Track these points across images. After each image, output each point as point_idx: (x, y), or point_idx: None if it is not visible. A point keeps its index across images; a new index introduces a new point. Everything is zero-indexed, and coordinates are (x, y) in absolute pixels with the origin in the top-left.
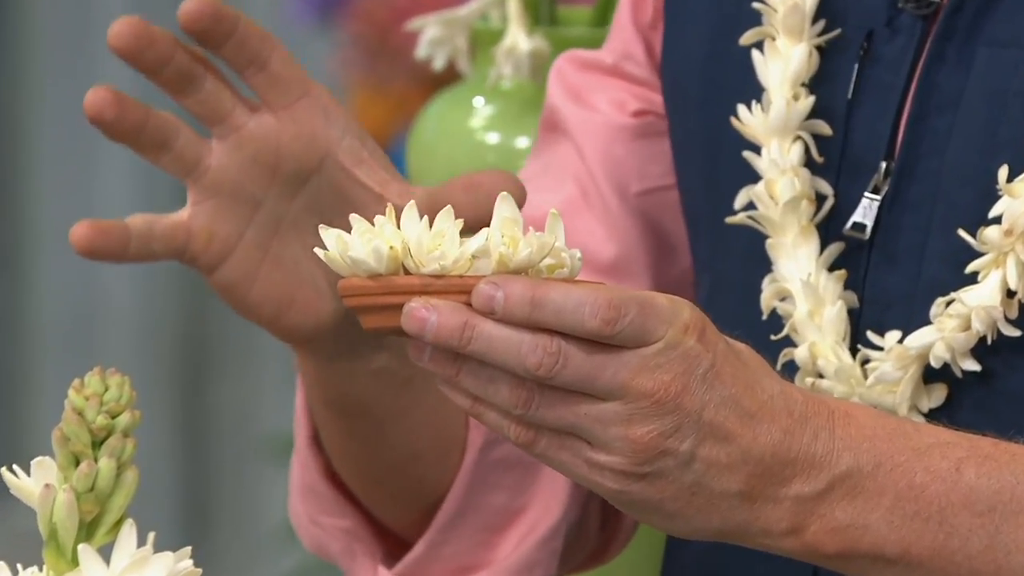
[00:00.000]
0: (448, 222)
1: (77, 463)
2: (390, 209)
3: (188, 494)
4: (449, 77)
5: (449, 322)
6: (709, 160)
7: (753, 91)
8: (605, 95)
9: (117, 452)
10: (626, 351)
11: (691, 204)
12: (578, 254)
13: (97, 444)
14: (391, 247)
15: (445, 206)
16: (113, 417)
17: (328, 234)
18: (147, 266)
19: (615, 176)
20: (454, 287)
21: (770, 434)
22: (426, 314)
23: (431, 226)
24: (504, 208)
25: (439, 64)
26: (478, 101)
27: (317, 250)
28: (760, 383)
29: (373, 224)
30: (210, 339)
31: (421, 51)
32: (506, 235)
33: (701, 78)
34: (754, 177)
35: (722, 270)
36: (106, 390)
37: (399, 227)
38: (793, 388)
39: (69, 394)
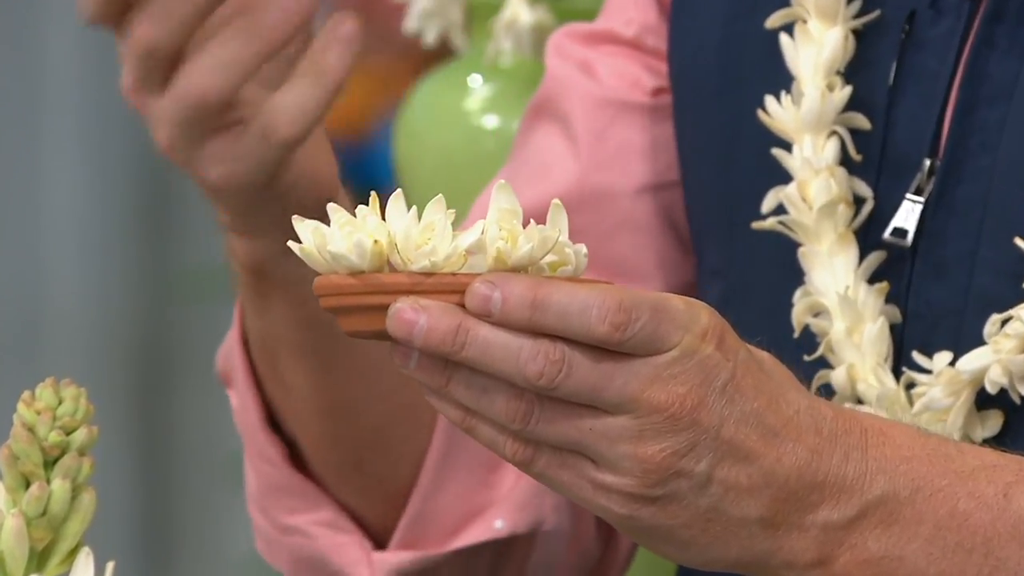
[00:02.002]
0: (439, 213)
1: (27, 485)
2: (374, 199)
3: (148, 519)
4: (441, 53)
5: (440, 325)
6: (725, 156)
7: (779, 79)
8: (616, 70)
9: (72, 472)
10: (637, 359)
11: (699, 203)
12: (583, 250)
13: (50, 464)
14: (375, 241)
15: None
16: (68, 433)
17: (303, 226)
18: (99, 266)
19: (628, 164)
20: (446, 286)
21: (796, 454)
22: (414, 316)
23: (419, 218)
24: (502, 198)
25: (430, 39)
26: (474, 80)
27: (291, 244)
28: (785, 396)
29: (355, 215)
30: (171, 346)
31: (410, 24)
32: (504, 228)
33: (717, 64)
34: (779, 176)
35: (741, 279)
36: (60, 403)
37: (384, 219)
38: (822, 403)
39: (18, 408)
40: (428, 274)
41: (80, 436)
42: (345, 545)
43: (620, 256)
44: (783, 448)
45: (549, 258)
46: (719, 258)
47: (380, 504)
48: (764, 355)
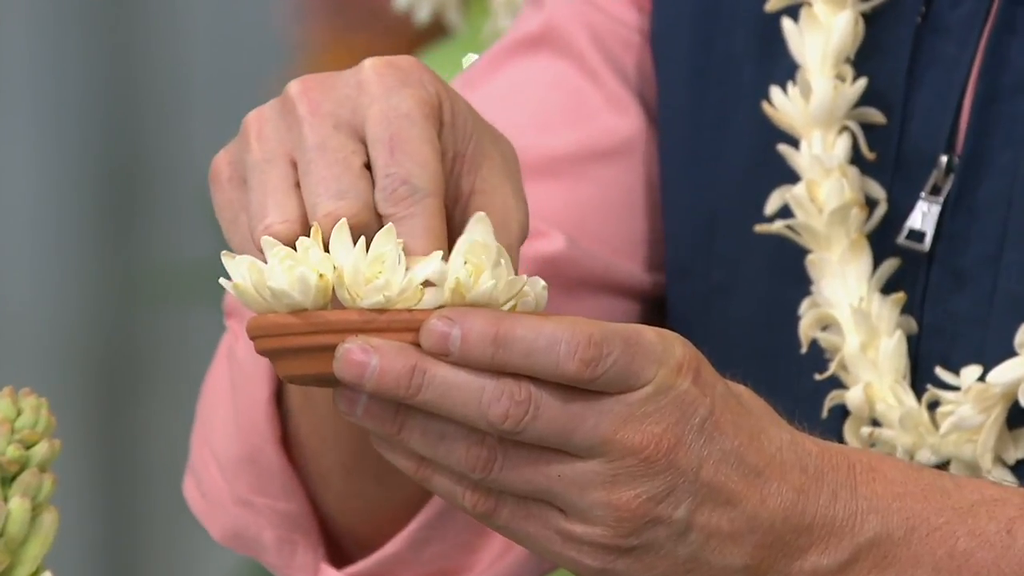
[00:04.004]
0: (389, 244)
1: None
2: (315, 229)
3: (114, 541)
4: (434, 31)
5: (394, 366)
6: (711, 142)
7: (771, 59)
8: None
9: (32, 490)
10: (608, 398)
11: (676, 191)
12: (541, 283)
13: (8, 480)
14: (320, 275)
15: None
16: (27, 447)
17: (237, 262)
18: (57, 265)
19: (642, 88)
20: (398, 323)
21: (781, 495)
22: (365, 357)
23: (367, 249)
24: (478, 230)
25: (423, 16)
26: (470, 61)
27: (223, 281)
28: (766, 432)
29: (295, 248)
30: (137, 351)
31: None
32: (470, 262)
33: (694, 39)
34: (771, 172)
35: (732, 283)
36: (18, 415)
37: (327, 251)
38: (805, 438)
39: None
40: (378, 311)
41: (41, 451)
42: (296, 544)
43: (638, 222)
44: (767, 489)
45: (508, 304)
46: (691, 256)
47: (357, 516)
48: (741, 389)
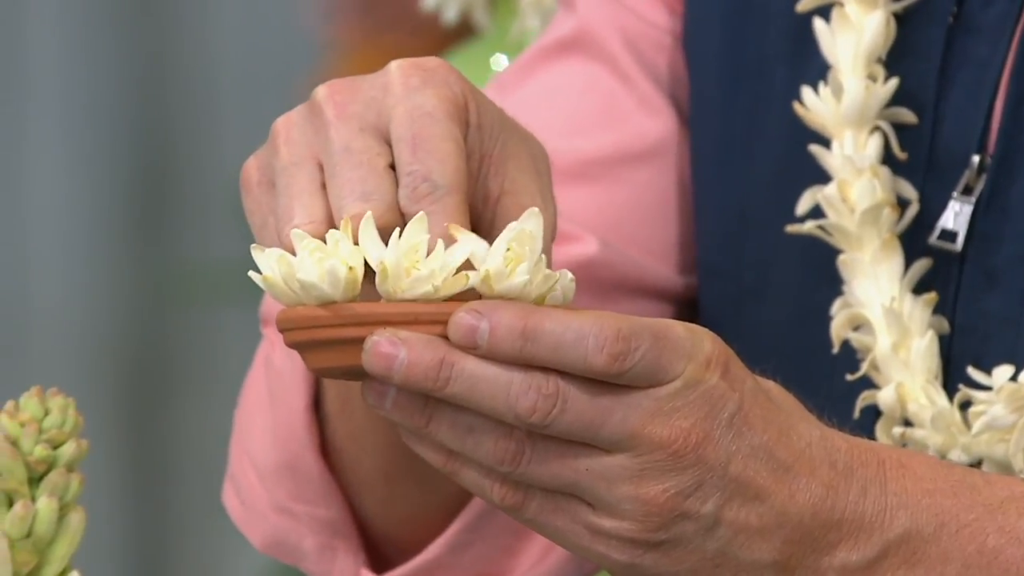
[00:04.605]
0: (422, 233)
1: (11, 503)
2: (345, 222)
3: (142, 541)
4: (462, 31)
5: (422, 359)
6: (742, 142)
7: (803, 60)
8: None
9: (60, 490)
10: (636, 392)
11: (707, 191)
12: (569, 276)
13: (35, 480)
14: (349, 268)
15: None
16: (55, 447)
17: (266, 255)
18: (89, 264)
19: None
20: (427, 316)
21: (809, 490)
22: (393, 350)
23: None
24: (530, 222)
25: (451, 16)
26: (498, 61)
27: (252, 274)
28: (795, 428)
29: (324, 241)
30: (167, 351)
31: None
32: (512, 249)
33: (725, 38)
34: (803, 173)
35: (763, 283)
36: (46, 414)
37: (356, 243)
38: (835, 434)
39: (1, 419)
40: (408, 303)
41: (68, 450)
42: (337, 550)
43: (671, 225)
44: (796, 484)
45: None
46: (722, 257)
47: (396, 521)
48: (771, 384)
